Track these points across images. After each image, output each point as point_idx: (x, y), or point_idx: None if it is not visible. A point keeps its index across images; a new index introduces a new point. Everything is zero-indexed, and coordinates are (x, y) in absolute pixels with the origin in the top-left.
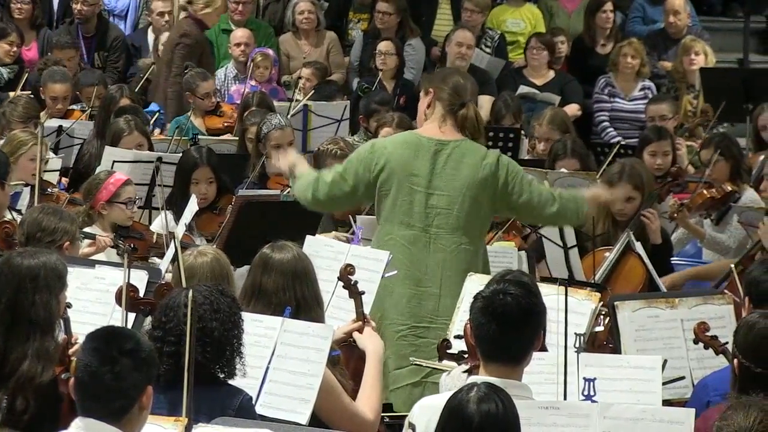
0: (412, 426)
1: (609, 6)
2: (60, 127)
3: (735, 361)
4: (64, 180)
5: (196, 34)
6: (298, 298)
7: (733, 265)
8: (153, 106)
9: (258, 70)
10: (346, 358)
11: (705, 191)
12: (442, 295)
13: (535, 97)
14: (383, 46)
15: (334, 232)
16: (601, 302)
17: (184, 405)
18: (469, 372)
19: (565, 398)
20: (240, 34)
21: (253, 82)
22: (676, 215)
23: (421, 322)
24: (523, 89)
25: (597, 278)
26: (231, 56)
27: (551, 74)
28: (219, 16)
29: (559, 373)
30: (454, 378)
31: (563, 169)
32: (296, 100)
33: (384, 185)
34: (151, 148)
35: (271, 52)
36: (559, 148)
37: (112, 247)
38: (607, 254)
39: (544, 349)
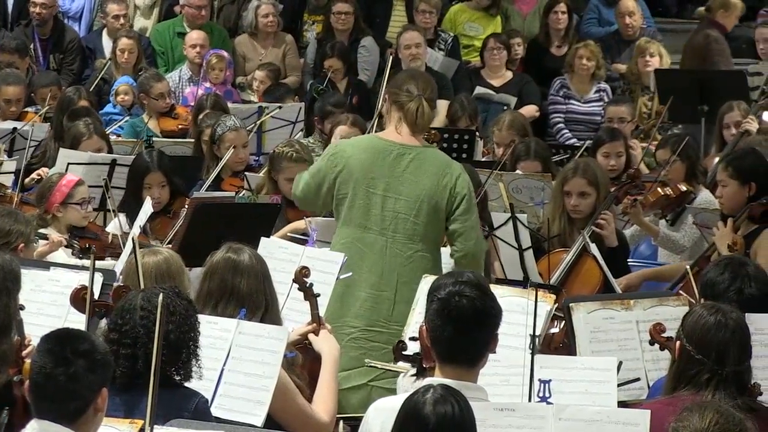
0: None
1: (561, 7)
2: (14, 129)
3: (678, 342)
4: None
5: (721, 37)
6: (268, 299)
7: (688, 267)
8: (108, 107)
9: (213, 72)
10: (300, 360)
11: (660, 189)
12: (396, 301)
13: (491, 98)
14: (331, 63)
15: (286, 227)
16: (556, 304)
17: (149, 408)
18: (419, 375)
19: (530, 400)
20: (195, 35)
21: (207, 84)
22: (629, 210)
23: (373, 326)
24: (479, 90)
25: (554, 280)
26: (185, 59)
27: (509, 75)
28: (737, 18)
29: (524, 375)
30: (410, 380)
31: (519, 171)
32: (252, 101)
33: (342, 188)
34: (110, 152)
35: (225, 54)
36: (521, 149)
37: (67, 246)
38: (564, 256)
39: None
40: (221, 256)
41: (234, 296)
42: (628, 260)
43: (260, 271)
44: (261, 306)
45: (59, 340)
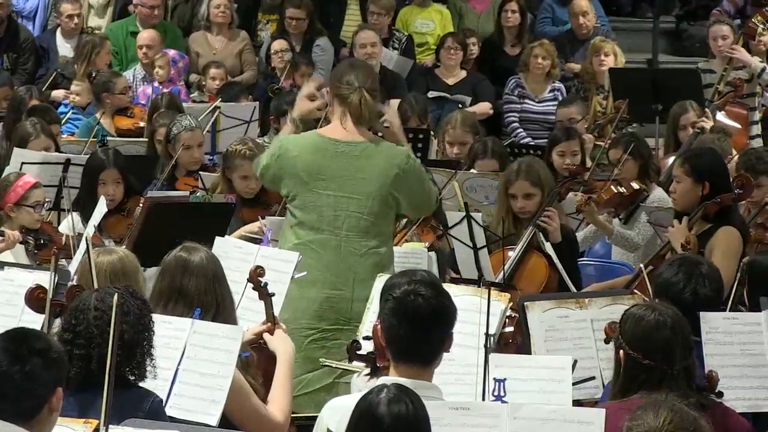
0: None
1: (512, 6)
2: None
3: (621, 352)
4: None
5: None
6: (218, 300)
7: (642, 265)
8: (61, 107)
9: (153, 70)
10: (255, 360)
11: (613, 187)
12: (354, 299)
13: (447, 98)
14: (277, 44)
15: (240, 229)
16: (511, 303)
17: (104, 408)
18: (374, 374)
19: (483, 399)
20: (144, 36)
21: (156, 83)
22: (583, 208)
23: (333, 325)
24: (432, 94)
25: (500, 277)
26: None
27: (463, 74)
28: None
29: (478, 374)
30: (364, 380)
31: (473, 170)
32: (202, 101)
33: (291, 189)
34: (58, 150)
35: (171, 52)
36: (479, 148)
37: (22, 242)
38: (510, 253)
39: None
40: (173, 255)
41: (182, 296)
42: (582, 259)
43: (211, 272)
44: (211, 307)
45: (14, 338)
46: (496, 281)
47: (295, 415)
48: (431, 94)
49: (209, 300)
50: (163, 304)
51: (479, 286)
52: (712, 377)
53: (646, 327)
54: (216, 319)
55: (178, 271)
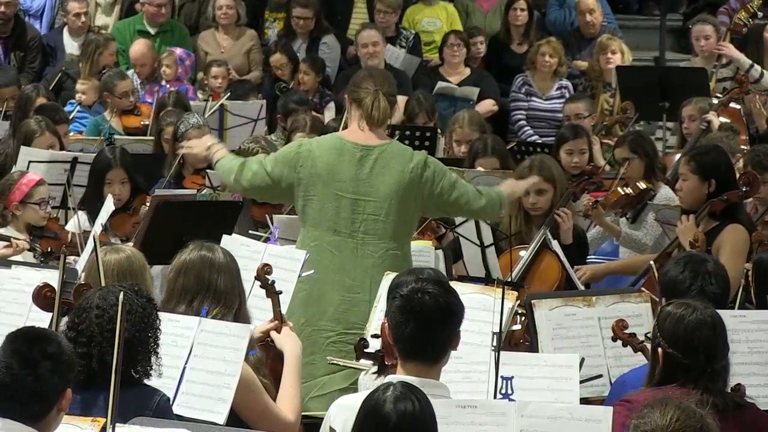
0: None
1: (521, 4)
2: None
3: (659, 350)
4: None
5: None
6: (241, 297)
7: (652, 262)
8: (68, 106)
9: (161, 68)
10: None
11: (619, 189)
12: (371, 301)
13: (454, 93)
14: (275, 60)
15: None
16: (518, 300)
17: (110, 406)
18: (381, 373)
19: (495, 397)
20: (134, 53)
21: (163, 82)
22: (590, 212)
23: (351, 329)
24: (441, 84)
25: (513, 277)
26: None
27: (467, 71)
28: None
29: (487, 372)
30: (371, 378)
31: (480, 168)
32: (206, 100)
33: (310, 189)
34: (62, 148)
35: (178, 50)
36: (479, 146)
37: (29, 250)
38: (522, 253)
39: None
40: (196, 253)
41: (210, 292)
42: (590, 257)
43: (234, 269)
44: (236, 303)
45: (27, 340)
46: (504, 279)
47: (303, 413)
48: (439, 85)
49: (234, 296)
50: (189, 301)
51: (487, 285)
52: (740, 388)
53: (688, 326)
54: (238, 314)
55: (205, 269)
